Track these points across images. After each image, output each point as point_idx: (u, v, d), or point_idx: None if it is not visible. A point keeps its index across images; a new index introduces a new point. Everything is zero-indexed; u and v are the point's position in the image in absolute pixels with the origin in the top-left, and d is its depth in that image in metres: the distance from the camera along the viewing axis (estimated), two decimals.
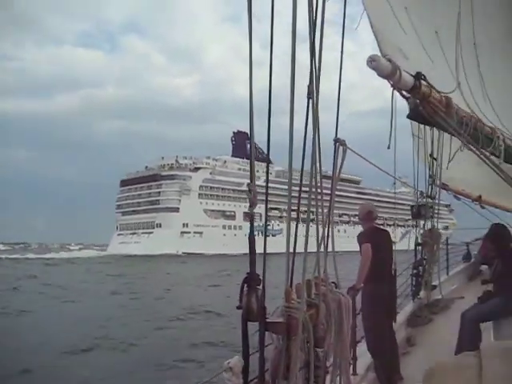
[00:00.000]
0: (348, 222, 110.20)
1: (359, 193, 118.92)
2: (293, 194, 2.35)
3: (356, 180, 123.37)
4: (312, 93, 2.34)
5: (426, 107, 3.43)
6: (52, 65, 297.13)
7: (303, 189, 2.49)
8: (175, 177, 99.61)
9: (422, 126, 7.00)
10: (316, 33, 2.38)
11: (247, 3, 2.19)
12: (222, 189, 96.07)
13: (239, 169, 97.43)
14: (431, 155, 7.56)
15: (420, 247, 8.36)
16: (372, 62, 3.01)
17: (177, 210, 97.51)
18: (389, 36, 3.97)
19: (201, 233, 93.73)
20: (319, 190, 2.57)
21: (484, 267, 10.74)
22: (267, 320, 2.26)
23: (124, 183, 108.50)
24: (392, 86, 3.23)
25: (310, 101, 2.37)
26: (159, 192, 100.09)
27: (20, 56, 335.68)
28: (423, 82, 3.44)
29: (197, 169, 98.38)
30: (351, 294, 5.06)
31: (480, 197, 8.92)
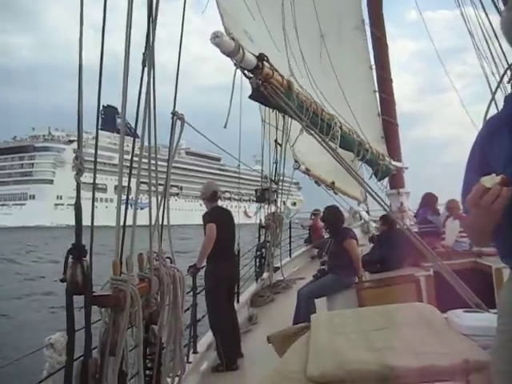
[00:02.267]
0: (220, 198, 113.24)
1: (220, 169, 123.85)
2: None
3: (216, 157, 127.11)
4: (146, 60, 2.28)
5: (267, 88, 3.51)
6: None
7: (143, 161, 2.43)
8: (49, 149, 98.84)
9: (267, 112, 7.23)
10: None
11: None
12: (101, 163, 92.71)
13: (109, 142, 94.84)
14: (276, 141, 7.84)
15: (263, 230, 8.65)
16: (215, 38, 3.00)
17: (51, 181, 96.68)
18: (236, 17, 3.99)
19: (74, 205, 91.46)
20: (153, 162, 2.50)
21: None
22: (94, 293, 2.15)
23: None
24: (235, 64, 3.26)
25: (145, 69, 2.32)
26: (32, 163, 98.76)
27: None
28: (266, 64, 3.53)
29: (70, 141, 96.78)
30: (191, 272, 5.07)
31: (333, 183, 9.47)
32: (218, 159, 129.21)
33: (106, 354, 2.25)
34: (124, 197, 2.40)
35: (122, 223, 2.32)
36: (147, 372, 2.70)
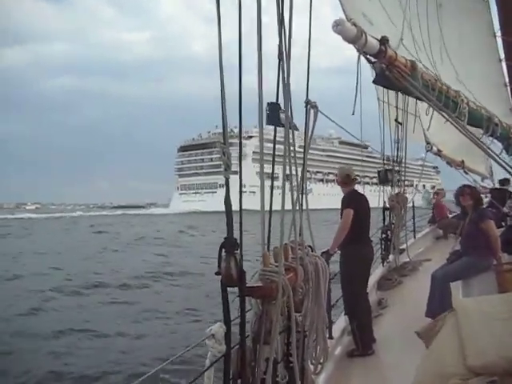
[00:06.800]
0: (359, 183, 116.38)
1: (369, 156, 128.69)
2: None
3: (364, 145, 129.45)
4: (282, 54, 2.31)
5: (392, 71, 3.42)
6: None
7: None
8: (233, 144, 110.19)
9: (385, 90, 7.04)
10: None
11: None
12: (268, 154, 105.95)
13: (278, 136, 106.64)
14: (396, 120, 7.61)
15: (388, 211, 8.48)
16: (337, 26, 2.97)
17: (236, 172, 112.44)
18: (353, 1, 3.95)
19: (254, 192, 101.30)
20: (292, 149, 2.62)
21: None
22: (246, 285, 2.24)
23: (183, 149, 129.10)
24: (358, 50, 3.20)
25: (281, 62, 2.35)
26: (221, 157, 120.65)
27: None
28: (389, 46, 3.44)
29: (250, 137, 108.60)
30: (325, 259, 5.10)
31: (463, 161, 9.07)
32: (366, 147, 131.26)
33: (259, 343, 2.35)
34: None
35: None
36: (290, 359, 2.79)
